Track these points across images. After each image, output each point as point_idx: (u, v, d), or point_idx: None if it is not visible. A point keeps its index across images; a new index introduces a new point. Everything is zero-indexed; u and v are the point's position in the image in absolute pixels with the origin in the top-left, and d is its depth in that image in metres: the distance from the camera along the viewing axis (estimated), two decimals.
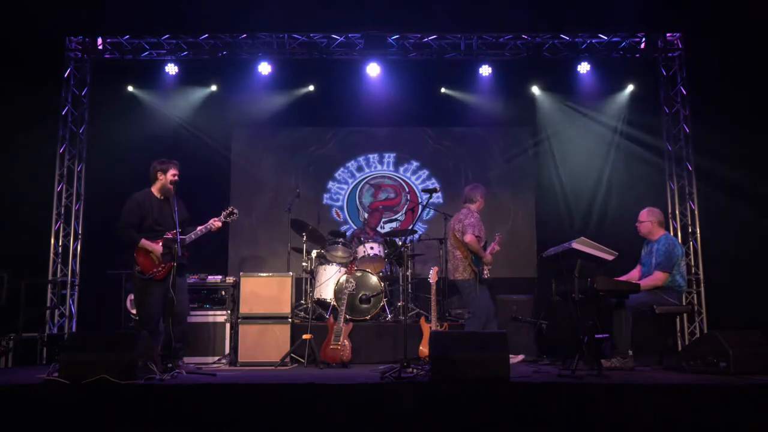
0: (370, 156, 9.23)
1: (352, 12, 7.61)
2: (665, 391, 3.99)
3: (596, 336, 5.17)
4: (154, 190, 5.45)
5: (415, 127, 9.12)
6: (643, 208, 5.88)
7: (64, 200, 7.97)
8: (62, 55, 8.09)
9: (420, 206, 8.80)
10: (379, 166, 9.23)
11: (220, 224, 5.48)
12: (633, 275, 5.79)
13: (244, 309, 6.29)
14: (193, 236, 5.40)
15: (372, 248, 7.15)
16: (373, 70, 8.47)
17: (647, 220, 5.76)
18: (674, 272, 5.52)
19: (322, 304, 6.91)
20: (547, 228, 8.36)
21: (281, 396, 4.01)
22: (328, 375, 5.16)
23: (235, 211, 5.54)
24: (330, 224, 8.79)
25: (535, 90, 8.76)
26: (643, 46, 8.32)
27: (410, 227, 6.42)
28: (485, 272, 5.94)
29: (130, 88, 8.58)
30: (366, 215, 8.85)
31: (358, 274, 6.79)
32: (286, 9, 7.54)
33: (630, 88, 8.52)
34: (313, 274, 7.05)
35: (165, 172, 5.42)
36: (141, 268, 5.27)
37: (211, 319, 6.36)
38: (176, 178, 5.41)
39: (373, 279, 6.86)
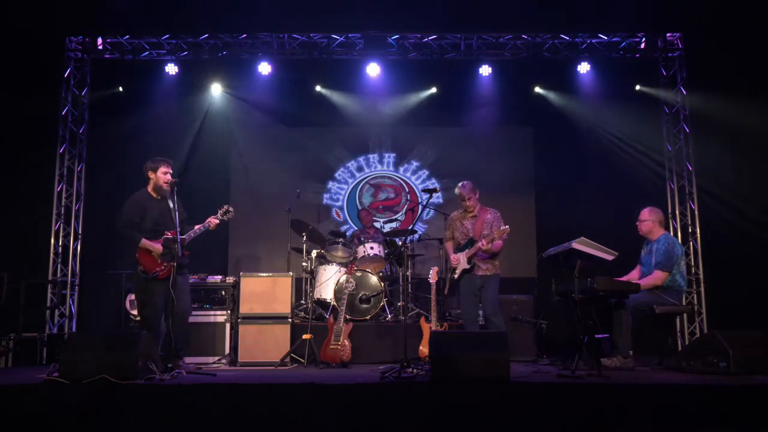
0: (370, 156, 9.23)
1: (352, 12, 7.60)
2: (665, 391, 3.99)
3: (596, 336, 5.17)
4: (150, 189, 5.46)
5: (415, 127, 9.11)
6: (642, 208, 5.88)
7: (64, 200, 7.98)
8: (62, 55, 8.10)
9: (420, 206, 8.80)
10: (379, 166, 9.23)
11: (217, 222, 5.49)
12: (633, 275, 5.79)
13: (244, 309, 6.29)
14: (192, 235, 5.41)
15: (372, 248, 7.15)
16: (373, 70, 8.48)
17: (648, 219, 5.76)
18: (674, 272, 5.52)
19: (322, 304, 6.90)
20: (547, 228, 8.36)
21: (281, 396, 4.01)
22: (328, 375, 5.16)
23: (231, 209, 5.55)
24: (330, 224, 8.80)
25: (537, 90, 8.76)
26: (643, 46, 8.32)
27: (410, 227, 6.42)
28: (454, 273, 5.87)
29: (129, 88, 8.57)
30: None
31: (358, 274, 6.78)
32: (286, 9, 7.54)
33: (636, 87, 8.53)
34: (313, 274, 7.05)
35: (155, 170, 5.42)
36: (144, 267, 5.27)
37: (211, 319, 6.36)
38: (168, 176, 5.40)
39: (373, 279, 6.86)
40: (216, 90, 8.77)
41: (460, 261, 5.81)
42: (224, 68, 8.60)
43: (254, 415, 3.88)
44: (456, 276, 5.86)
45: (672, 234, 7.48)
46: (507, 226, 5.71)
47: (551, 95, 8.74)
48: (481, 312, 5.94)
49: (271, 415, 3.88)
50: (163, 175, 5.40)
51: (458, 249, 5.91)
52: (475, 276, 5.78)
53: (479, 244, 5.69)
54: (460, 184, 5.95)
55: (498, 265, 5.87)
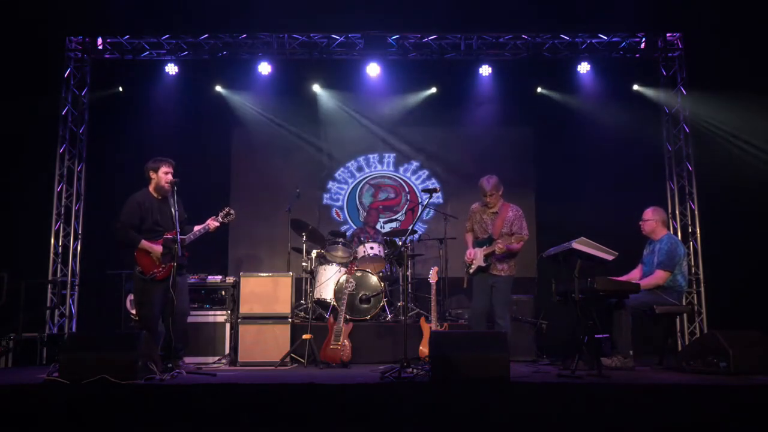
0: (370, 156, 9.22)
1: (352, 12, 7.61)
2: (665, 391, 3.99)
3: (596, 336, 5.17)
4: (151, 189, 5.46)
5: (415, 127, 9.10)
6: (642, 208, 5.89)
7: (64, 200, 7.98)
8: (62, 55, 8.11)
9: (420, 206, 8.80)
10: (379, 166, 9.22)
11: (217, 224, 5.50)
12: (634, 275, 5.79)
13: (244, 309, 6.29)
14: (192, 236, 5.41)
15: (372, 248, 7.15)
16: (373, 70, 8.48)
17: (651, 218, 5.77)
18: (676, 272, 5.52)
19: (322, 304, 6.90)
20: (547, 228, 8.35)
21: (281, 396, 4.00)
22: (328, 375, 5.16)
23: (232, 211, 5.55)
24: (330, 224, 8.79)
25: (538, 90, 8.76)
26: (643, 46, 8.33)
27: (410, 227, 6.41)
28: (470, 268, 5.80)
29: (130, 89, 8.57)
30: (365, 214, 8.84)
31: (358, 274, 6.78)
32: (286, 9, 7.54)
33: (636, 87, 8.53)
34: (313, 274, 7.05)
35: (156, 170, 5.42)
36: (142, 268, 5.27)
37: (211, 319, 6.35)
38: (169, 176, 5.39)
39: (373, 279, 6.86)
40: (216, 90, 8.76)
41: (477, 257, 5.72)
42: (224, 68, 8.60)
43: (254, 415, 3.88)
44: (471, 271, 5.79)
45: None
46: (526, 233, 5.63)
47: (551, 95, 8.73)
48: None
49: (271, 415, 3.88)
50: (164, 175, 5.39)
51: (477, 243, 5.81)
52: (489, 274, 5.71)
53: (495, 246, 5.61)
54: (485, 178, 5.82)
55: (514, 265, 5.78)
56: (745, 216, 7.36)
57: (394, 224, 8.48)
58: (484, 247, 5.72)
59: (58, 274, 7.81)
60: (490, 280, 5.72)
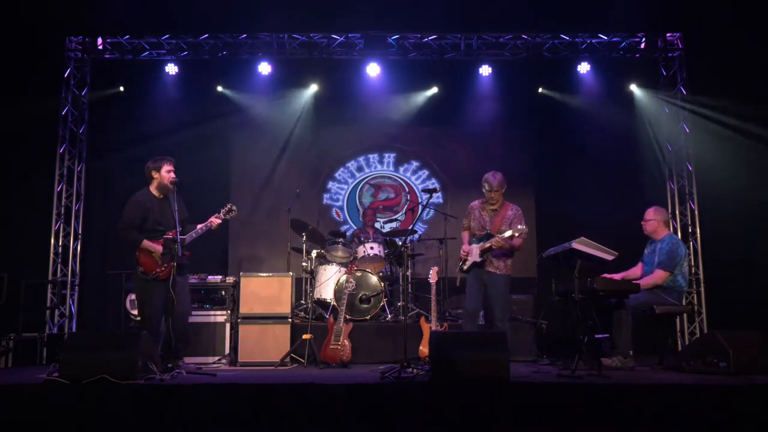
0: (370, 156, 9.22)
1: (352, 12, 7.61)
2: (665, 391, 3.99)
3: (596, 336, 5.17)
4: (153, 189, 5.45)
5: (415, 127, 9.09)
6: (642, 208, 5.89)
7: (64, 200, 7.98)
8: (62, 55, 8.11)
9: (420, 206, 8.80)
10: (379, 166, 9.22)
11: (219, 221, 5.50)
12: (634, 272, 5.78)
13: (244, 309, 6.29)
14: (193, 235, 5.41)
15: (372, 248, 7.15)
16: (373, 70, 8.48)
17: (653, 218, 5.77)
18: (676, 272, 5.52)
19: (322, 304, 6.91)
20: (547, 228, 8.35)
21: (281, 396, 4.01)
22: (328, 375, 5.16)
23: (234, 207, 5.55)
24: (330, 224, 8.79)
25: (539, 90, 8.76)
26: (643, 46, 8.33)
27: (410, 227, 6.41)
28: (464, 264, 5.74)
29: (130, 88, 8.56)
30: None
31: (358, 274, 6.78)
32: (286, 9, 7.54)
33: (632, 87, 8.53)
34: (313, 274, 7.05)
35: (158, 169, 5.40)
36: (144, 268, 5.27)
37: (211, 319, 6.35)
38: (172, 174, 5.38)
39: (373, 279, 6.86)
40: (216, 90, 8.76)
41: (472, 252, 5.65)
42: (224, 68, 8.59)
43: (254, 415, 3.89)
44: (465, 267, 5.73)
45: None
46: (525, 228, 5.53)
47: (551, 95, 8.72)
48: (481, 312, 5.82)
49: (271, 415, 3.88)
50: (167, 173, 5.39)
51: (474, 240, 5.75)
52: (485, 271, 5.63)
53: (494, 240, 5.54)
54: (490, 173, 5.75)
55: (510, 265, 5.70)
56: (744, 216, 7.35)
57: (394, 224, 8.48)
58: (481, 243, 5.66)
59: (58, 274, 7.81)
60: (484, 277, 5.63)
